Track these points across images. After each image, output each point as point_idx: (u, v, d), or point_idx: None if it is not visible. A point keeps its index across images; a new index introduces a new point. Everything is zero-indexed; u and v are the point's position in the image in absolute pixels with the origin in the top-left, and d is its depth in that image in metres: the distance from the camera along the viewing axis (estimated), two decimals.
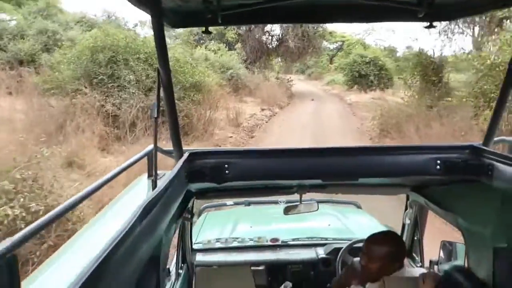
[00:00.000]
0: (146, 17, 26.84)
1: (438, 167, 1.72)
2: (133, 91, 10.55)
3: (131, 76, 10.80)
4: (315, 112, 20.03)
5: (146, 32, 26.29)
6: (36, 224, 0.92)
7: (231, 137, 12.95)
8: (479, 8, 1.81)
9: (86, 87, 10.38)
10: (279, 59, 30.22)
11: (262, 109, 18.79)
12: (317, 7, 1.84)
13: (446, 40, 15.72)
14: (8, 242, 0.76)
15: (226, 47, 23.36)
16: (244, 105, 18.61)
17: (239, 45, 24.74)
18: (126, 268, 0.95)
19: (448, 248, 2.48)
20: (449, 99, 10.05)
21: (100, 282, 0.78)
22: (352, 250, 2.92)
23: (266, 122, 16.82)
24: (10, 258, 0.72)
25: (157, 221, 1.21)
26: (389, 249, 2.11)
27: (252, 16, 1.86)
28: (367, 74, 29.16)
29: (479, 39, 14.30)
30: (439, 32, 15.40)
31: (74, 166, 8.24)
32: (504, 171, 1.51)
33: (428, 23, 1.76)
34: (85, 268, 0.76)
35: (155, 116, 1.58)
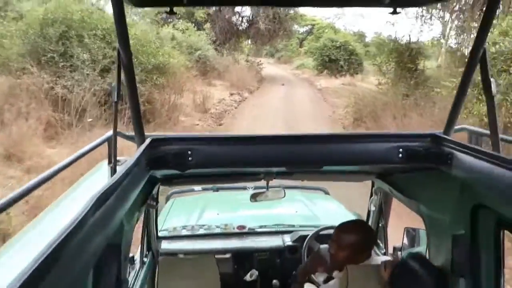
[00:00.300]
0: None
1: (400, 155, 1.72)
2: (88, 72, 9.17)
3: (85, 54, 9.40)
4: (285, 98, 19.05)
5: (111, 7, 24.42)
6: None
7: (197, 124, 11.81)
8: None
9: (32, 66, 8.93)
10: (249, 41, 28.88)
11: (231, 94, 17.65)
12: None
13: (424, 26, 14.88)
14: None
15: (194, 26, 21.86)
16: (213, 88, 17.42)
17: (208, 25, 23.29)
18: (80, 257, 0.91)
19: (411, 235, 2.46)
20: (438, 90, 9.23)
21: (50, 270, 0.75)
22: (318, 237, 2.86)
23: (236, 107, 15.71)
24: None
25: (115, 210, 1.15)
26: (359, 238, 2.08)
27: None
28: (337, 59, 28.28)
29: (458, 25, 13.54)
30: (416, 17, 14.54)
31: (14, 160, 6.95)
32: (463, 159, 1.52)
33: (392, 9, 1.72)
34: (35, 257, 0.72)
35: (115, 100, 1.51)
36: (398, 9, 1.74)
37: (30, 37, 9.50)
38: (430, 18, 14.30)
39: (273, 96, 19.56)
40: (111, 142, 1.64)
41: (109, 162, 1.69)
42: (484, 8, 1.55)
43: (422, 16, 14.14)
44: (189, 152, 1.64)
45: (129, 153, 1.66)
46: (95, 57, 9.58)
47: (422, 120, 10.29)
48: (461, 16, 12.48)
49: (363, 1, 1.88)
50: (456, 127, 1.82)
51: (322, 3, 2.05)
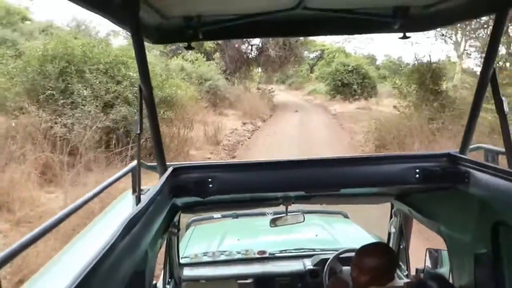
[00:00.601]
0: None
1: (417, 175, 1.72)
2: (89, 109, 8.46)
3: (85, 91, 8.71)
4: (300, 125, 18.22)
5: (119, 42, 24.19)
6: (17, 245, 0.99)
7: (209, 158, 10.98)
8: (451, 18, 1.85)
9: (29, 105, 8.26)
10: (260, 69, 28.36)
11: (244, 123, 16.88)
12: (296, 21, 1.83)
13: (443, 45, 14.05)
14: None
15: (204, 57, 21.39)
16: (224, 118, 16.70)
17: (217, 54, 22.82)
18: (110, 283, 0.94)
19: (433, 256, 2.37)
20: (482, 114, 8.32)
21: None
22: (339, 260, 2.82)
23: (249, 138, 14.86)
24: None
25: (140, 237, 1.19)
26: (380, 261, 2.01)
27: (233, 30, 1.85)
28: (350, 83, 27.58)
29: (479, 44, 12.68)
30: (435, 37, 13.74)
31: (3, 210, 6.15)
32: (480, 178, 1.53)
33: (402, 34, 1.81)
34: (69, 283, 0.74)
35: (138, 132, 1.58)
36: (407, 34, 1.82)
37: (29, 75, 8.88)
38: (450, 37, 13.44)
39: (287, 123, 18.76)
40: (135, 173, 1.69)
41: (134, 192, 1.75)
42: (491, 29, 1.56)
43: (442, 35, 13.31)
44: (209, 180, 1.68)
45: None
46: (97, 92, 8.90)
47: (452, 145, 9.33)
48: (474, 34, 11.62)
49: (373, 28, 1.90)
50: (471, 146, 1.82)
51: (332, 31, 2.12)
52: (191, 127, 11.49)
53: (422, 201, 2.09)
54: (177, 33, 1.77)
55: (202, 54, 21.63)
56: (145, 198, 1.28)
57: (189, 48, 1.81)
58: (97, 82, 8.88)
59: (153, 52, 20.35)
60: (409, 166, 1.71)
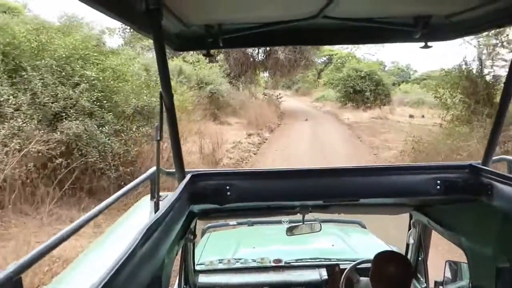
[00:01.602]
0: (116, 24, 21.73)
1: (438, 187, 1.64)
2: (20, 123, 5.46)
3: (22, 96, 5.73)
4: (313, 137, 15.19)
5: (117, 42, 21.29)
6: (40, 249, 0.93)
7: None
8: (474, 28, 1.73)
9: None
10: (267, 73, 25.33)
11: (249, 134, 13.86)
12: (317, 30, 1.75)
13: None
14: (14, 266, 0.78)
15: (206, 59, 18.43)
16: (227, 129, 13.74)
17: (221, 56, 19.84)
18: None
19: (453, 268, 2.29)
20: None
21: None
22: (356, 270, 2.63)
23: (255, 153, 11.81)
24: (16, 281, 0.75)
25: (159, 244, 1.16)
26: (396, 270, 1.90)
27: (253, 39, 1.81)
28: (362, 90, 24.53)
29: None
30: (488, 35, 10.68)
31: None
32: (504, 190, 1.45)
33: (424, 43, 1.72)
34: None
35: (158, 139, 1.50)
36: (429, 43, 1.71)
37: None
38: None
39: (298, 134, 15.78)
40: (154, 179, 1.63)
41: (152, 198, 1.70)
42: None
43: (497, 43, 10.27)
44: (227, 187, 1.63)
45: None
46: (41, 99, 5.91)
47: None
48: None
49: (394, 37, 1.80)
50: (494, 158, 1.73)
51: (353, 40, 2.12)
52: (182, 143, 8.49)
53: (442, 213, 1.98)
54: (198, 40, 1.73)
55: (204, 56, 18.67)
56: (163, 205, 1.26)
57: (208, 55, 1.78)
58: (39, 85, 5.88)
59: (151, 52, 17.43)
60: (430, 177, 1.62)
